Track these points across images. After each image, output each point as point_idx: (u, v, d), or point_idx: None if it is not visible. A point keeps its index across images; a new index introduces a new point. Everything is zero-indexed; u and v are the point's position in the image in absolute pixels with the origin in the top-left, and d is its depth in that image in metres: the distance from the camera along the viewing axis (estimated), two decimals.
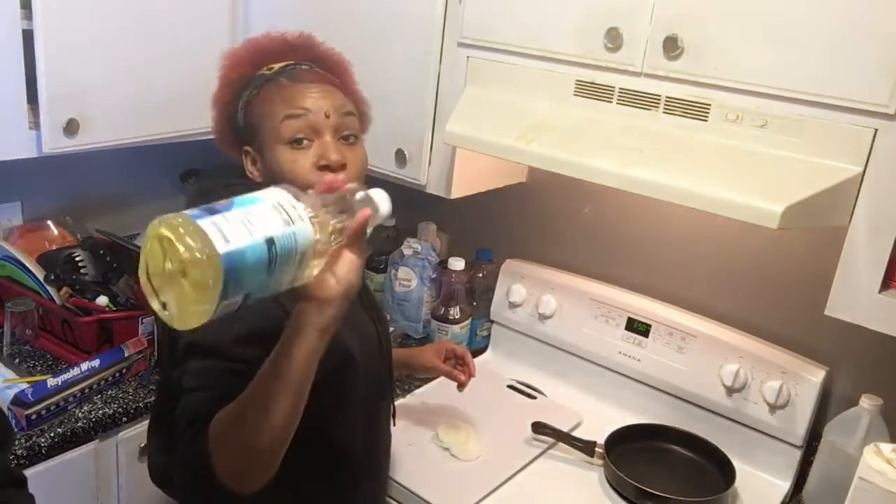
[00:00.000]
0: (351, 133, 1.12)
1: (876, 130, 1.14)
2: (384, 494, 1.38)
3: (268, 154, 1.10)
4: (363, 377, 1.15)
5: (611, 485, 1.46)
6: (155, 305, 0.76)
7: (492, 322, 1.94)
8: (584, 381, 1.78)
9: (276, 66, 1.13)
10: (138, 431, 1.61)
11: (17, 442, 1.40)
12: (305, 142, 1.08)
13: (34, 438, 1.43)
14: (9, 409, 1.42)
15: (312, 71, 1.14)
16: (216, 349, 0.99)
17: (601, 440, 1.53)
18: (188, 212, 0.74)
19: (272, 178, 1.08)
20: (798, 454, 1.51)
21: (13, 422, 1.42)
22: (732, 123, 1.26)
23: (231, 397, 0.92)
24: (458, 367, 1.48)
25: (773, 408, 1.50)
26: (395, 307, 1.97)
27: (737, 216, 1.15)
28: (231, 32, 1.88)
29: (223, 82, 1.16)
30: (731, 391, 1.55)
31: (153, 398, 1.37)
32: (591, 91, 1.39)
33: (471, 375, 1.47)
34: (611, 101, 1.37)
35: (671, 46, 1.27)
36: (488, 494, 1.42)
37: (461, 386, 1.47)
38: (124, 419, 1.57)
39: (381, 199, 0.93)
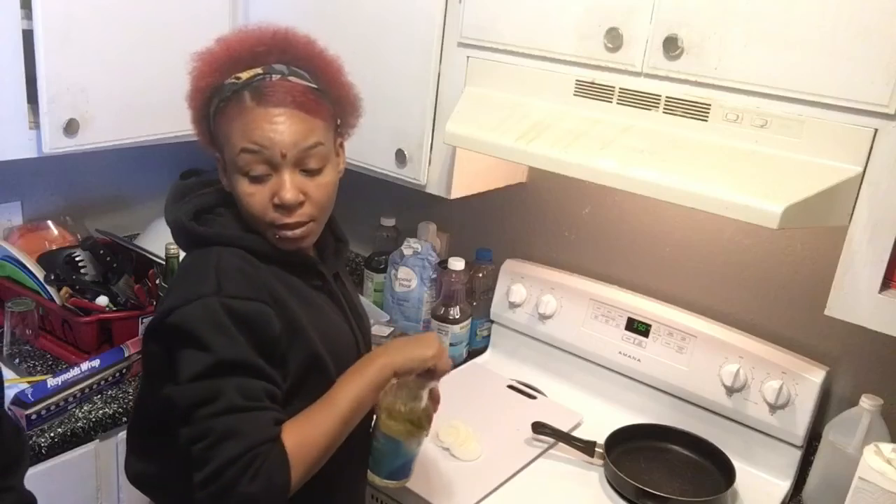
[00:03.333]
0: (314, 166, 1.07)
1: (876, 130, 1.14)
2: (362, 502, 1.34)
3: (230, 177, 1.09)
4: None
5: (611, 485, 1.46)
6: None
7: (492, 322, 1.94)
8: (584, 381, 1.78)
9: (245, 75, 1.06)
10: None
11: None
12: (263, 175, 1.05)
13: (34, 438, 1.43)
14: (9, 409, 1.42)
15: (282, 85, 1.06)
16: (252, 368, 1.01)
17: (601, 440, 1.53)
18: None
19: (236, 200, 1.10)
20: (798, 454, 1.51)
21: None
22: (732, 123, 1.26)
23: (286, 415, 1.02)
24: None
25: (773, 408, 1.50)
26: (395, 307, 1.97)
27: (737, 216, 1.15)
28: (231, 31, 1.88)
29: (193, 87, 1.11)
30: (731, 391, 1.55)
31: (135, 405, 1.27)
32: (591, 91, 1.39)
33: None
34: (611, 101, 1.37)
35: (671, 46, 1.27)
36: (488, 494, 1.42)
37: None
38: (124, 419, 1.57)
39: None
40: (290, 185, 1.05)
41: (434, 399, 1.23)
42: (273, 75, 1.07)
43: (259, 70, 1.07)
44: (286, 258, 1.12)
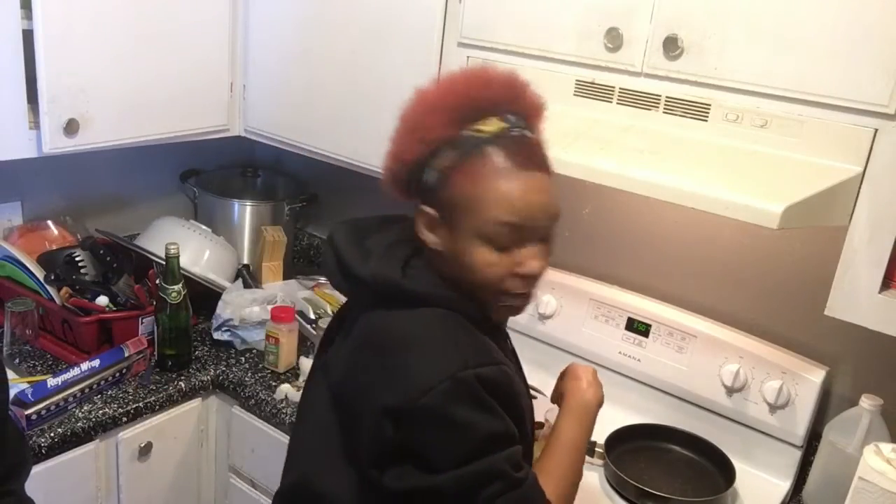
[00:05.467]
0: (552, 233, 1.00)
1: (876, 130, 1.14)
2: None
3: (460, 240, 0.97)
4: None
5: (611, 485, 1.46)
6: None
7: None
8: None
9: (487, 127, 0.95)
10: (138, 431, 1.61)
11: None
12: (509, 245, 0.96)
13: (34, 438, 1.43)
14: (9, 408, 1.42)
15: (530, 143, 0.97)
16: (514, 437, 0.96)
17: (601, 440, 1.53)
18: None
19: (456, 263, 0.97)
20: (798, 454, 1.51)
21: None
22: (732, 123, 1.26)
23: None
24: None
25: (773, 408, 1.50)
26: None
27: (737, 216, 1.15)
28: (231, 32, 1.88)
29: (417, 136, 0.98)
30: (731, 391, 1.55)
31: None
32: (591, 91, 1.39)
33: None
34: (611, 101, 1.37)
35: (671, 46, 1.27)
36: None
37: None
38: (124, 419, 1.57)
39: None
40: (539, 256, 0.98)
41: None
42: (516, 129, 0.97)
43: (501, 122, 0.96)
44: (487, 322, 1.03)
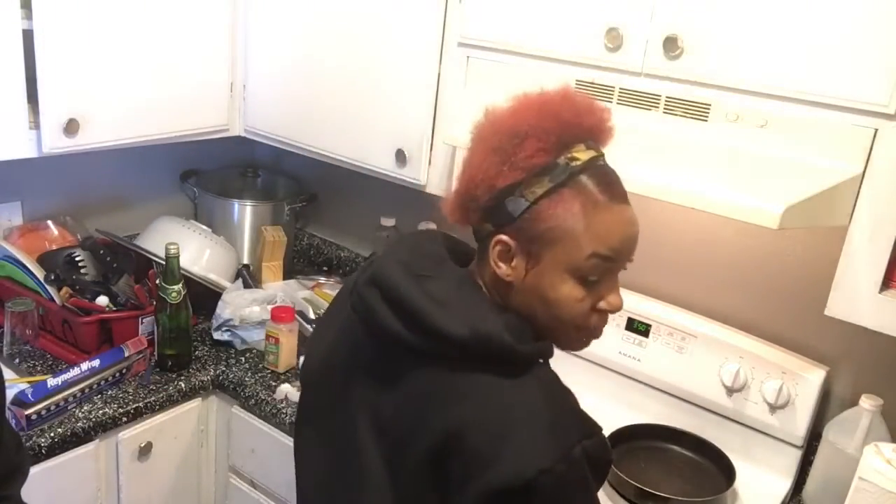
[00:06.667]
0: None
1: (876, 130, 1.14)
2: None
3: (546, 273, 0.92)
4: None
5: (611, 485, 1.46)
6: None
7: None
8: (584, 381, 1.77)
9: (581, 156, 0.91)
10: (138, 431, 1.61)
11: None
12: (596, 281, 0.92)
13: (34, 438, 1.43)
14: (9, 408, 1.42)
15: (613, 174, 0.94)
16: None
17: None
18: None
19: (535, 294, 0.93)
20: (798, 454, 1.51)
21: (13, 422, 1.42)
22: (732, 123, 1.26)
23: None
24: None
25: (773, 408, 1.50)
26: None
27: (737, 216, 1.15)
28: (231, 32, 1.88)
29: (510, 161, 0.91)
30: (731, 391, 1.55)
31: None
32: (590, 91, 1.39)
33: None
34: (611, 102, 1.37)
35: (671, 46, 1.27)
36: None
37: None
38: (124, 419, 1.57)
39: None
40: (619, 291, 0.95)
41: None
42: (602, 159, 0.93)
43: (590, 151, 0.92)
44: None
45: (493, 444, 0.86)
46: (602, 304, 0.94)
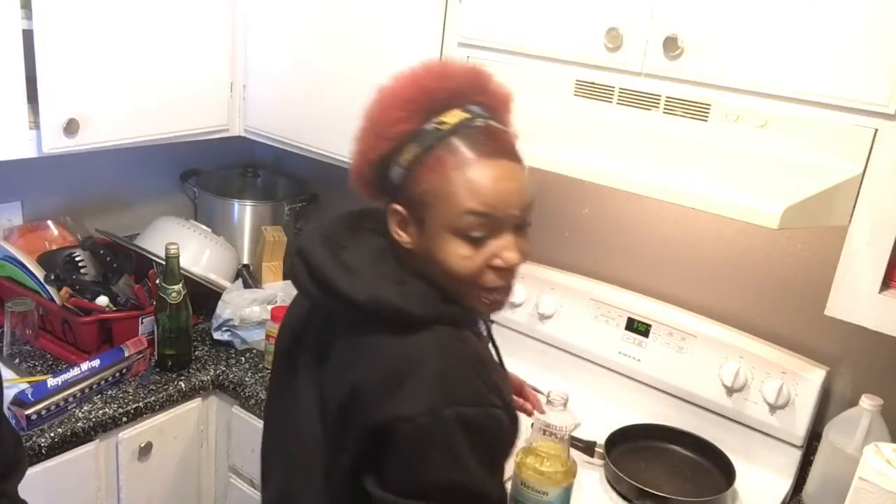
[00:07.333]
0: (527, 223, 0.97)
1: (876, 130, 1.14)
2: None
3: (431, 236, 0.95)
4: None
5: (611, 485, 1.46)
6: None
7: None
8: (584, 381, 1.77)
9: (449, 119, 0.94)
10: (138, 431, 1.61)
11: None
12: (482, 237, 0.94)
13: (34, 438, 1.43)
14: (9, 408, 1.42)
15: (490, 131, 0.95)
16: (479, 496, 0.93)
17: (601, 440, 1.53)
18: None
19: (428, 258, 0.96)
20: (798, 454, 1.51)
21: (13, 422, 1.42)
22: (732, 123, 1.26)
23: None
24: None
25: (773, 408, 1.50)
26: None
27: (737, 216, 1.15)
28: (231, 32, 1.88)
29: (380, 134, 0.96)
30: (731, 391, 1.55)
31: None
32: (590, 91, 1.39)
33: (535, 408, 1.34)
34: (611, 101, 1.37)
35: (671, 46, 1.27)
36: None
37: (530, 414, 1.33)
38: (124, 419, 1.57)
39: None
40: (515, 246, 0.95)
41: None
42: (479, 119, 0.95)
43: (462, 113, 0.95)
44: (471, 319, 1.02)
45: (374, 392, 0.94)
46: (496, 261, 0.95)
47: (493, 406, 0.93)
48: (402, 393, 0.91)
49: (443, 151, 0.93)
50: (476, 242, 0.94)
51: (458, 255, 0.94)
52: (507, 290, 0.99)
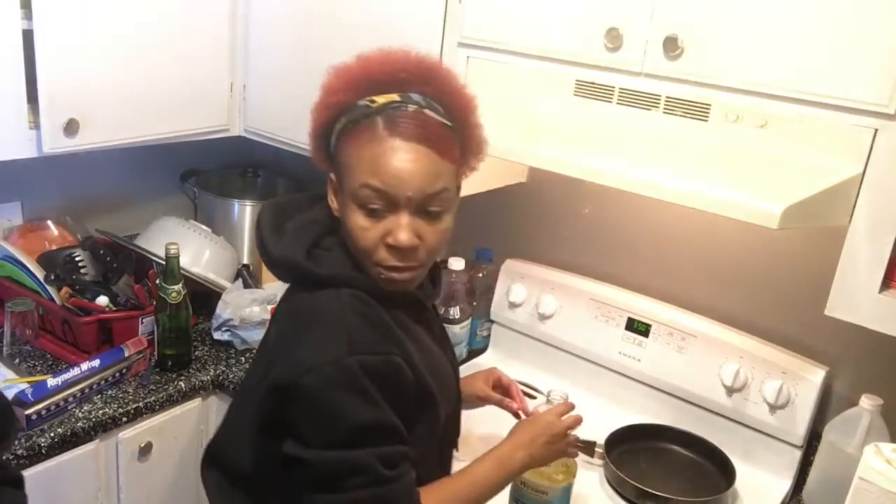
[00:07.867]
0: (436, 209, 1.00)
1: (876, 130, 1.14)
2: None
3: (343, 204, 1.02)
4: (442, 421, 1.11)
5: (611, 485, 1.46)
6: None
7: (492, 322, 1.94)
8: (584, 381, 1.77)
9: (381, 99, 0.99)
10: (138, 431, 1.61)
11: (17, 442, 1.40)
12: (380, 211, 0.98)
13: (34, 438, 1.43)
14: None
15: (418, 117, 0.98)
16: (394, 432, 0.98)
17: (601, 440, 1.53)
18: None
19: (343, 226, 1.03)
20: (798, 454, 1.51)
21: None
22: (732, 123, 1.26)
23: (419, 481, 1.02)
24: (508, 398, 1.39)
25: (773, 408, 1.50)
26: None
27: (737, 216, 1.15)
28: (231, 32, 1.88)
29: (322, 101, 1.04)
30: (731, 391, 1.55)
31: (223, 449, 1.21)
32: (590, 91, 1.39)
33: (521, 408, 1.36)
34: (611, 101, 1.37)
35: (671, 46, 1.27)
36: None
37: (517, 415, 1.35)
38: (124, 419, 1.57)
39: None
40: (407, 228, 0.98)
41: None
42: (410, 105, 0.98)
43: (396, 97, 0.99)
44: (392, 293, 1.05)
45: (279, 346, 1.04)
46: (388, 238, 0.99)
47: (392, 354, 0.99)
48: (306, 347, 0.98)
49: (364, 126, 0.98)
50: (374, 215, 0.99)
51: (358, 225, 1.00)
52: (402, 269, 1.02)
